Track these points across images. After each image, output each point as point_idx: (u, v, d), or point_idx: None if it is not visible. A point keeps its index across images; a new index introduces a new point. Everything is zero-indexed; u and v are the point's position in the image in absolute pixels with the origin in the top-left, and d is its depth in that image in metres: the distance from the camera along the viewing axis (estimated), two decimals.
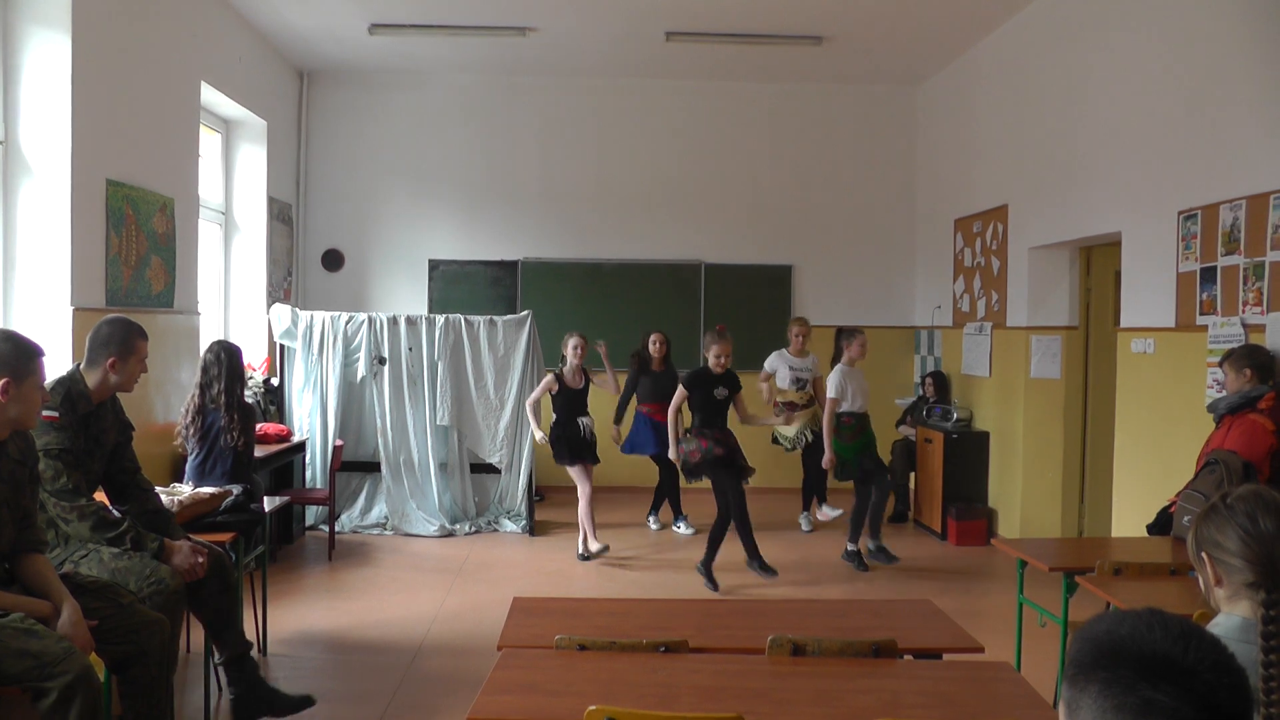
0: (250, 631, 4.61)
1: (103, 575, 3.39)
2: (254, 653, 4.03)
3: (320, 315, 7.93)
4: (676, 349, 8.17)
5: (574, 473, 6.91)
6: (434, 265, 9.60)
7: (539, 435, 6.95)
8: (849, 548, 6.76)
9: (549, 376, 7.01)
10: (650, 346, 7.77)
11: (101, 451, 3.69)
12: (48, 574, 3.06)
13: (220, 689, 4.06)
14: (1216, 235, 5.08)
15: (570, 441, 6.88)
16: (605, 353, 7.47)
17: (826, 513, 7.99)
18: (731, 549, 6.24)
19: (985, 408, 8.01)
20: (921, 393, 8.83)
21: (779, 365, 7.59)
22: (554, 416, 6.97)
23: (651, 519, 8.01)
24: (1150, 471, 5.61)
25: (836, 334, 6.90)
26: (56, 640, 2.83)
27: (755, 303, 9.50)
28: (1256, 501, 1.91)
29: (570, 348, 6.95)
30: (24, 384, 2.92)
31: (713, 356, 6.19)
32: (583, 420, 6.94)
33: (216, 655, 3.95)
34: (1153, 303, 5.66)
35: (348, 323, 7.89)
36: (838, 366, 6.72)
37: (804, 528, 7.93)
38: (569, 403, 6.93)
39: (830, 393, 6.66)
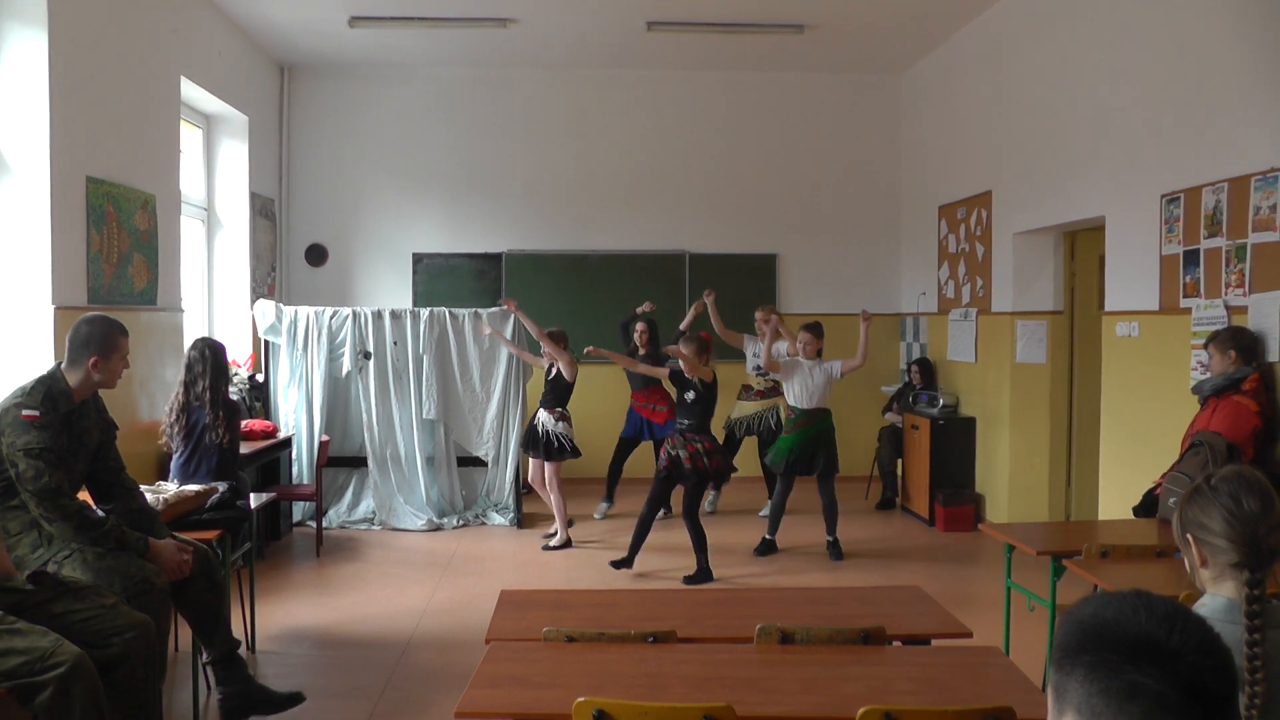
0: (238, 629, 4.60)
1: (86, 576, 3.37)
2: (242, 650, 4.01)
3: (304, 310, 7.88)
4: (662, 340, 8.14)
5: (553, 469, 7.02)
6: (418, 259, 9.56)
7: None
8: (766, 537, 6.78)
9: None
10: (637, 337, 7.79)
11: (85, 451, 3.66)
12: None
13: (209, 688, 4.03)
14: (1199, 218, 5.10)
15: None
16: (516, 310, 7.46)
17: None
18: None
19: (971, 394, 8.03)
20: (907, 379, 8.85)
21: (749, 348, 7.88)
22: (559, 408, 7.03)
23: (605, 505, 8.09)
24: (1136, 454, 5.63)
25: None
26: (42, 634, 2.80)
27: (740, 292, 9.46)
28: (1240, 482, 1.92)
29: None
30: None
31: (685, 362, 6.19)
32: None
33: (205, 655, 3.92)
34: (1136, 286, 5.68)
35: (332, 318, 7.85)
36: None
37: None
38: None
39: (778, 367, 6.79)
